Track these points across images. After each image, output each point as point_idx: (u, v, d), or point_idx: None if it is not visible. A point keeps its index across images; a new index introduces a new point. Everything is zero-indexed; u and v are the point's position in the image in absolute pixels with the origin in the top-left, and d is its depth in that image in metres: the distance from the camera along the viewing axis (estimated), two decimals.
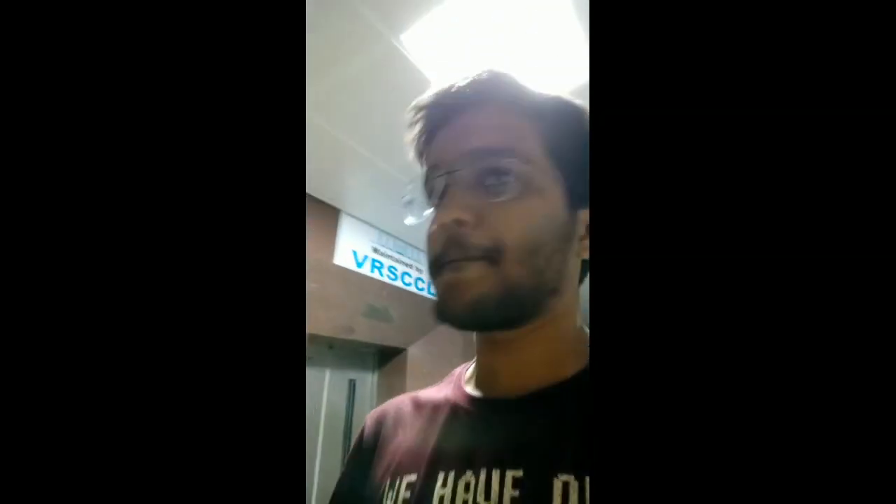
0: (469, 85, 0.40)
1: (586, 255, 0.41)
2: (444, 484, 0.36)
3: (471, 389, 0.44)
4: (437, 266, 0.38)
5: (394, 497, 0.39)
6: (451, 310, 0.37)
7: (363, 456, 0.47)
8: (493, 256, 0.36)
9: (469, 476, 0.36)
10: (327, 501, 0.49)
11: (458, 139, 0.40)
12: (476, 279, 0.36)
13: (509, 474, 0.34)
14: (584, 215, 0.41)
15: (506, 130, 0.39)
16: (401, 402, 0.50)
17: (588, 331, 0.42)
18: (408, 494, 0.38)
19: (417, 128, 0.44)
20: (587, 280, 0.42)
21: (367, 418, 0.51)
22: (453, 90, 0.41)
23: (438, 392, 0.47)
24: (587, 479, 0.31)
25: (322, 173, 1.90)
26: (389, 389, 2.43)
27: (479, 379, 0.44)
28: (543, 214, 0.38)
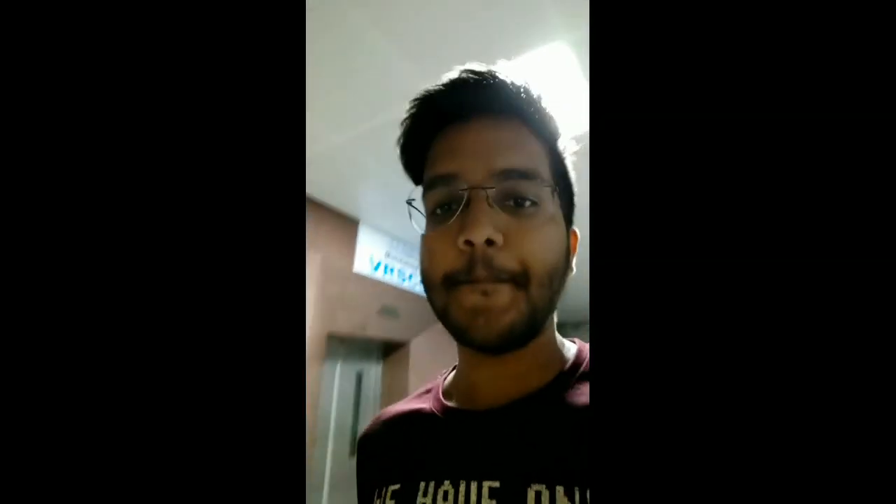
0: (487, 84, 0.39)
1: (571, 273, 0.42)
2: (425, 493, 0.38)
3: (449, 401, 0.44)
4: (451, 282, 0.37)
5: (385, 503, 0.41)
6: (480, 335, 0.36)
7: (360, 478, 0.49)
8: (519, 280, 0.36)
9: (447, 486, 0.37)
10: (337, 482, 0.56)
11: (484, 153, 0.38)
12: (506, 304, 0.36)
13: (486, 485, 0.35)
14: (571, 233, 0.43)
15: (530, 152, 0.39)
16: (381, 417, 0.50)
17: (558, 339, 0.44)
18: (393, 503, 0.40)
19: (422, 116, 0.41)
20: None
21: (357, 444, 0.52)
22: (470, 83, 0.39)
23: (418, 403, 0.47)
24: (558, 488, 0.33)
25: (343, 187, 2.09)
26: (393, 379, 2.68)
27: (459, 390, 0.44)
28: (557, 239, 0.39)
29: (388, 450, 0.45)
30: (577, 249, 0.44)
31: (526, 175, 0.37)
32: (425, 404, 0.45)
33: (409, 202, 0.43)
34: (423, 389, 0.50)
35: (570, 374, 0.40)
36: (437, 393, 0.46)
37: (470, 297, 0.36)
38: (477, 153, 0.38)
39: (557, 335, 0.43)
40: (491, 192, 0.36)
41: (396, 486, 0.40)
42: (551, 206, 0.39)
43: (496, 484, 0.35)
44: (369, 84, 1.39)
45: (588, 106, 0.28)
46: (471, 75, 0.39)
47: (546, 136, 0.40)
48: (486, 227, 0.35)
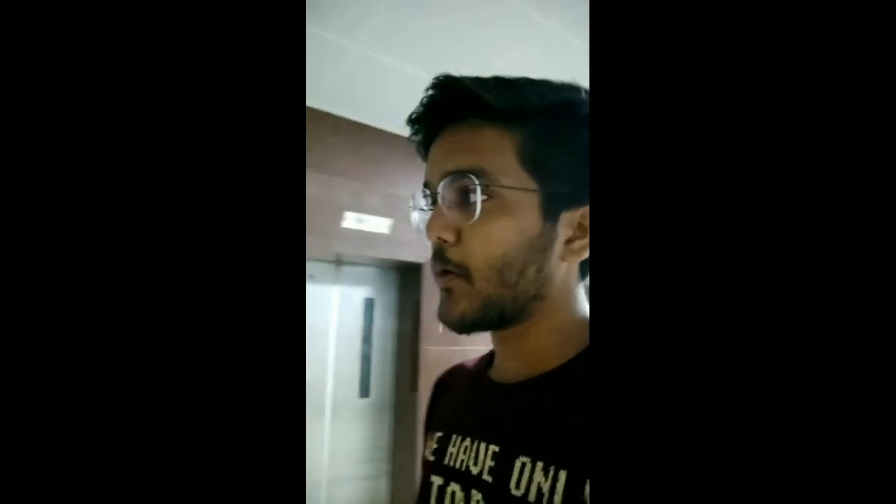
0: (443, 96, 0.42)
1: (574, 258, 0.43)
2: (454, 444, 0.45)
3: (490, 371, 0.50)
4: (432, 269, 0.43)
5: (430, 446, 0.49)
6: (442, 318, 0.42)
7: (428, 412, 0.58)
8: (466, 275, 0.40)
9: (468, 442, 0.44)
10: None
11: (438, 160, 0.42)
12: (459, 294, 0.41)
13: (491, 447, 0.41)
14: (570, 217, 0.42)
15: (477, 149, 0.40)
16: (454, 368, 0.59)
17: (585, 321, 0.45)
18: (435, 446, 0.48)
19: (413, 136, 0.47)
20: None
21: (433, 384, 0.61)
22: (433, 104, 0.43)
23: (479, 364, 0.54)
24: (538, 462, 0.36)
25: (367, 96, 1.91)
26: (405, 305, 2.62)
27: (494, 363, 0.50)
28: (511, 234, 0.40)
29: (446, 400, 0.55)
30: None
31: (470, 173, 0.39)
32: (478, 368, 0.53)
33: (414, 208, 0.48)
34: (486, 353, 0.55)
35: (587, 354, 0.41)
36: (485, 361, 0.52)
37: (439, 283, 0.43)
38: (436, 161, 0.43)
39: (588, 311, 0.45)
40: (441, 194, 0.41)
41: (440, 434, 0.49)
42: (512, 196, 0.40)
43: (497, 448, 0.41)
44: None
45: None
46: (433, 92, 0.43)
47: (507, 121, 0.41)
48: (434, 228, 0.41)
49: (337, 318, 2.33)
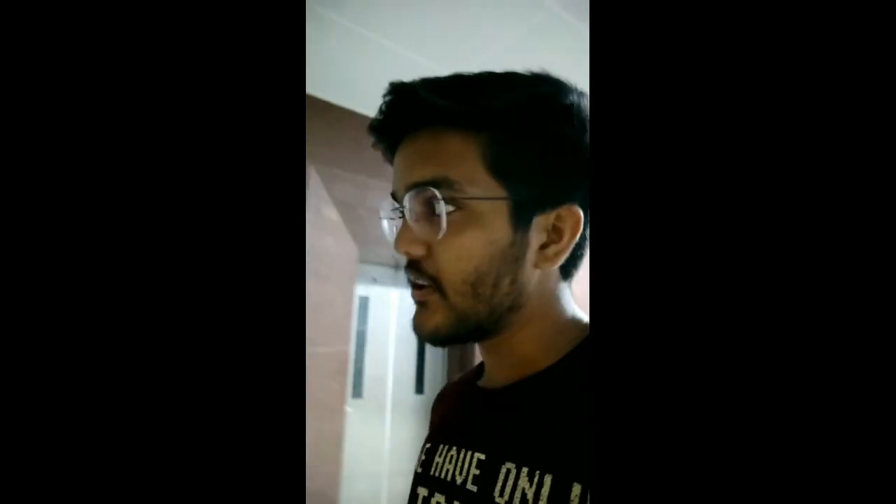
0: (399, 103, 0.40)
1: (548, 265, 0.40)
2: (441, 454, 0.44)
3: (479, 380, 0.49)
4: (407, 280, 0.42)
5: (420, 457, 0.48)
6: (419, 331, 0.41)
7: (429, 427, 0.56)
8: (440, 288, 0.39)
9: (454, 451, 0.43)
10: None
11: (402, 170, 0.40)
12: (432, 308, 0.39)
13: (476, 456, 0.40)
14: (544, 220, 0.39)
15: (440, 158, 0.38)
16: (451, 382, 0.59)
17: (575, 321, 0.44)
18: (423, 458, 0.47)
19: (376, 145, 0.44)
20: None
21: (435, 399, 0.60)
22: (390, 111, 0.41)
23: (469, 374, 0.53)
24: (523, 468, 0.35)
25: None
26: None
27: (484, 372, 0.49)
28: (482, 246, 0.38)
29: (439, 411, 0.54)
30: (580, 230, 0.40)
31: (433, 184, 0.37)
32: (472, 376, 0.51)
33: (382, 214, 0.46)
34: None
35: (574, 356, 0.40)
36: (476, 371, 0.51)
37: (412, 295, 0.41)
38: (400, 171, 0.41)
39: (576, 312, 0.44)
40: (406, 208, 0.39)
41: (429, 445, 0.48)
42: (479, 207, 0.38)
43: (483, 456, 0.39)
44: None
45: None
46: (388, 98, 0.40)
47: (480, 127, 0.38)
48: (401, 243, 0.39)
49: (396, 319, 2.48)
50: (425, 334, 0.40)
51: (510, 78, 0.40)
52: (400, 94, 0.40)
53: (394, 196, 0.42)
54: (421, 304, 0.41)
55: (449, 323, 0.39)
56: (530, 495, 0.34)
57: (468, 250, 0.38)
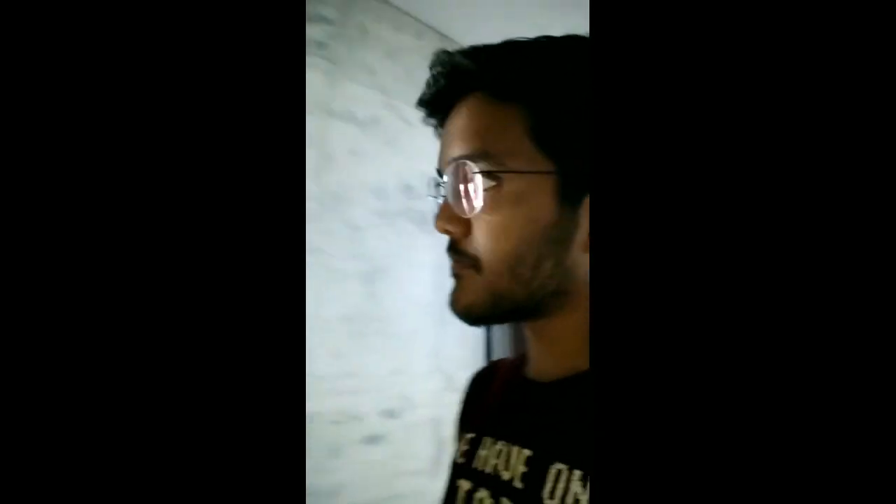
0: (443, 75, 0.39)
1: None
2: (485, 447, 0.42)
3: (525, 368, 0.46)
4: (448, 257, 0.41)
5: (460, 447, 0.46)
6: (453, 307, 0.39)
7: (461, 409, 0.53)
8: (477, 266, 0.37)
9: (501, 445, 0.40)
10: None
11: (445, 145, 0.40)
12: (467, 285, 0.38)
13: (524, 452, 0.38)
14: None
15: (481, 131, 0.37)
16: (492, 364, 0.55)
17: None
18: (466, 448, 0.44)
19: (427, 120, 0.43)
20: None
21: (469, 381, 0.56)
22: (436, 84, 0.40)
23: (515, 360, 0.50)
24: (575, 471, 0.33)
25: None
26: None
27: (529, 359, 0.46)
28: (520, 224, 0.36)
29: (481, 400, 0.50)
30: None
31: (472, 158, 0.36)
32: (518, 363, 0.48)
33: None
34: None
35: None
36: (522, 357, 0.48)
37: (452, 271, 0.40)
38: (444, 146, 0.40)
39: None
40: (447, 185, 0.38)
41: (472, 435, 0.45)
42: (521, 183, 0.36)
43: (530, 453, 0.37)
44: None
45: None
46: (434, 71, 0.40)
47: (527, 96, 0.37)
48: (440, 220, 0.39)
49: None
50: (458, 310, 0.39)
51: (561, 42, 0.39)
52: (444, 64, 0.39)
53: (439, 173, 0.41)
54: (458, 277, 0.39)
55: (482, 302, 0.38)
56: (584, 501, 0.32)
57: (505, 228, 0.36)
